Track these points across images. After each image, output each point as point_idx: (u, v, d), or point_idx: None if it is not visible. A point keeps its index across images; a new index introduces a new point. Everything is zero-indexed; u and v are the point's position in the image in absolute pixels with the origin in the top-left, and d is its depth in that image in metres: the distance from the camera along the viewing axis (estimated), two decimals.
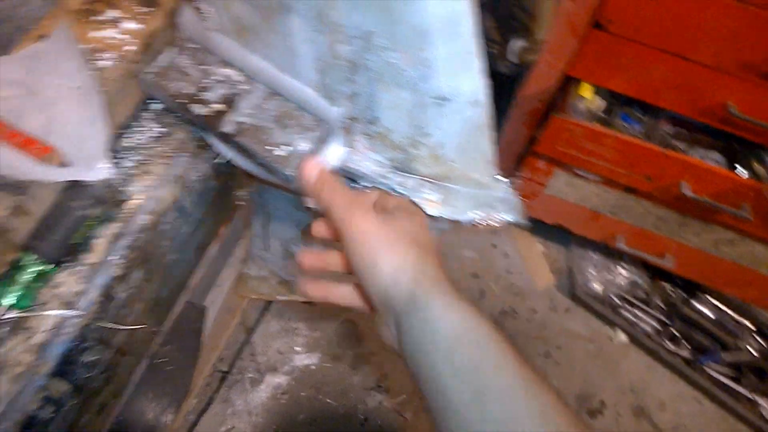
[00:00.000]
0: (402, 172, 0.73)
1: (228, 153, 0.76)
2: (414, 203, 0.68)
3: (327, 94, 0.67)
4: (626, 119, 1.44)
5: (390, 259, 0.51)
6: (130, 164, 0.73)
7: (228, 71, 0.73)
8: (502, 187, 0.70)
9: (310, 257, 0.63)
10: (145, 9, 0.77)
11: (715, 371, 1.82)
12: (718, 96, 1.25)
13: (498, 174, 0.70)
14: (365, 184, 0.74)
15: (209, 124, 0.70)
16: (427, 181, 0.72)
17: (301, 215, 1.09)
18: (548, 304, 1.98)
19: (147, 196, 0.72)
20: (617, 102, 1.49)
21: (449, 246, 2.05)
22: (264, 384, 1.76)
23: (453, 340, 0.45)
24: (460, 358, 0.44)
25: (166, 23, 0.76)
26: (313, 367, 1.80)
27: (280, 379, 1.77)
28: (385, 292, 0.50)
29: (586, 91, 1.41)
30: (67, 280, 0.66)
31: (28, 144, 0.62)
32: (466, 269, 2.02)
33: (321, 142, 0.71)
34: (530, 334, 1.92)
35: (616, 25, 1.20)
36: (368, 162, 0.74)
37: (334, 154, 0.73)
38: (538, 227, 1.94)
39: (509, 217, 0.71)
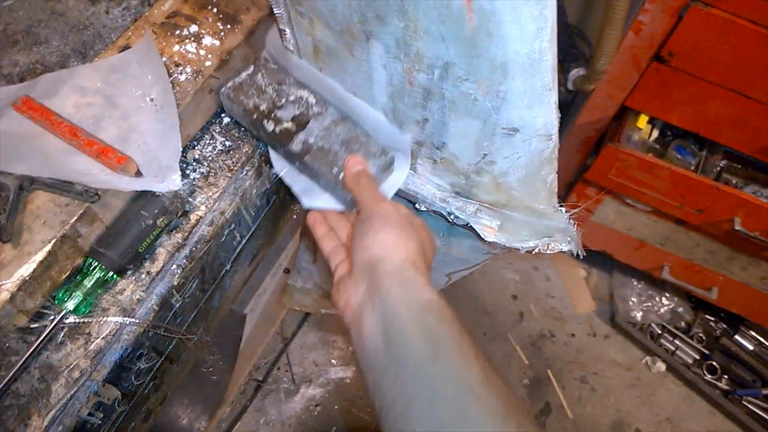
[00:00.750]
0: (462, 197, 0.73)
1: (282, 169, 0.77)
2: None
3: (396, 118, 0.68)
4: (680, 151, 1.41)
5: (395, 238, 0.59)
6: (196, 176, 0.75)
7: (302, 92, 0.74)
8: (561, 217, 0.70)
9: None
10: (225, 26, 0.79)
11: (753, 405, 1.79)
12: None
13: (558, 204, 0.70)
14: (423, 207, 0.75)
15: (279, 141, 0.71)
16: (486, 207, 0.72)
17: None
18: (587, 330, 1.95)
19: (210, 207, 0.74)
20: (671, 134, 1.47)
21: (491, 267, 2.04)
22: (299, 395, 1.76)
23: (424, 307, 0.53)
24: (427, 321, 0.52)
25: (243, 41, 0.77)
26: (348, 381, 1.80)
27: (314, 391, 1.78)
28: (378, 258, 0.57)
29: (642, 122, 1.40)
30: (128, 288, 0.68)
31: (104, 153, 0.63)
32: (507, 290, 2.01)
33: (384, 170, 0.71)
34: (567, 358, 1.90)
35: (678, 59, 1.19)
36: (429, 185, 0.74)
37: (399, 179, 0.73)
38: None
39: (567, 248, 0.71)
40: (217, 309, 0.87)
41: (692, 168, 1.40)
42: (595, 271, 2.05)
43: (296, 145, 0.71)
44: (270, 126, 0.72)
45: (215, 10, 0.80)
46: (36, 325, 0.63)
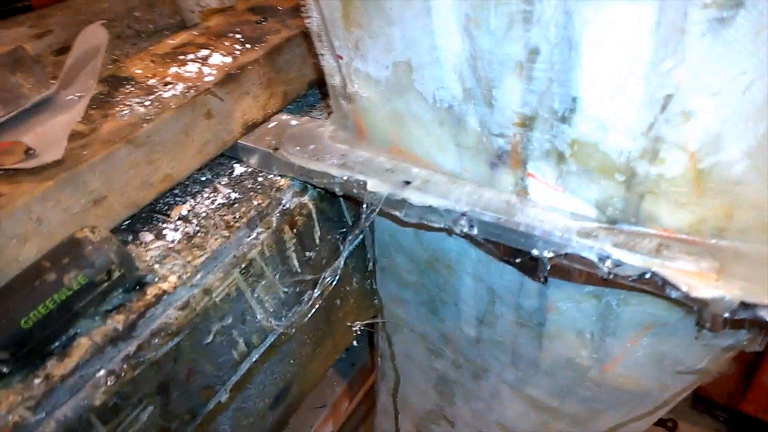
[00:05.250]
0: (626, 225, 0.37)
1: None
2: None
3: (476, 69, 0.37)
4: None
5: None
6: (176, 236, 0.47)
7: None
8: None
9: None
10: (244, 46, 0.59)
11: None
12: None
13: None
14: (548, 253, 0.39)
15: None
16: (676, 239, 0.36)
17: (440, 362, 0.68)
18: None
19: (184, 279, 0.44)
20: None
21: None
22: None
23: None
24: None
25: (263, 57, 0.57)
26: None
27: None
28: None
29: None
30: (2, 403, 0.36)
31: None
32: None
33: None
34: None
35: None
36: (553, 214, 0.40)
37: None
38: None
39: None
40: None
41: None
42: None
43: None
44: None
45: (239, 36, 0.61)
46: None
